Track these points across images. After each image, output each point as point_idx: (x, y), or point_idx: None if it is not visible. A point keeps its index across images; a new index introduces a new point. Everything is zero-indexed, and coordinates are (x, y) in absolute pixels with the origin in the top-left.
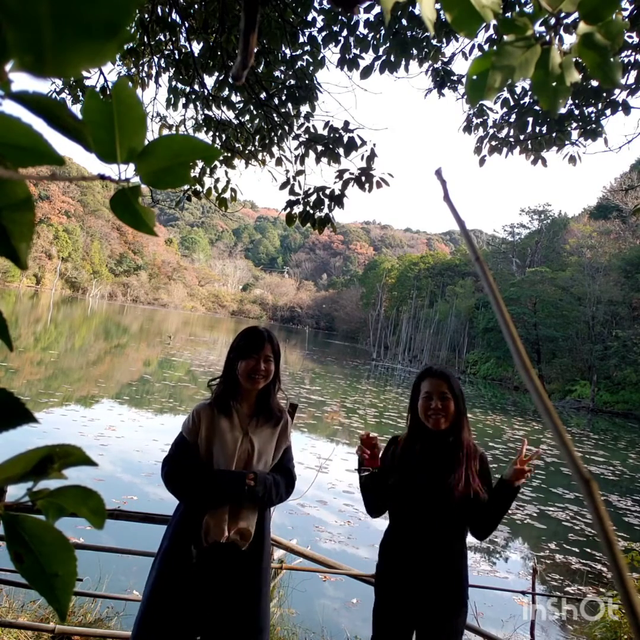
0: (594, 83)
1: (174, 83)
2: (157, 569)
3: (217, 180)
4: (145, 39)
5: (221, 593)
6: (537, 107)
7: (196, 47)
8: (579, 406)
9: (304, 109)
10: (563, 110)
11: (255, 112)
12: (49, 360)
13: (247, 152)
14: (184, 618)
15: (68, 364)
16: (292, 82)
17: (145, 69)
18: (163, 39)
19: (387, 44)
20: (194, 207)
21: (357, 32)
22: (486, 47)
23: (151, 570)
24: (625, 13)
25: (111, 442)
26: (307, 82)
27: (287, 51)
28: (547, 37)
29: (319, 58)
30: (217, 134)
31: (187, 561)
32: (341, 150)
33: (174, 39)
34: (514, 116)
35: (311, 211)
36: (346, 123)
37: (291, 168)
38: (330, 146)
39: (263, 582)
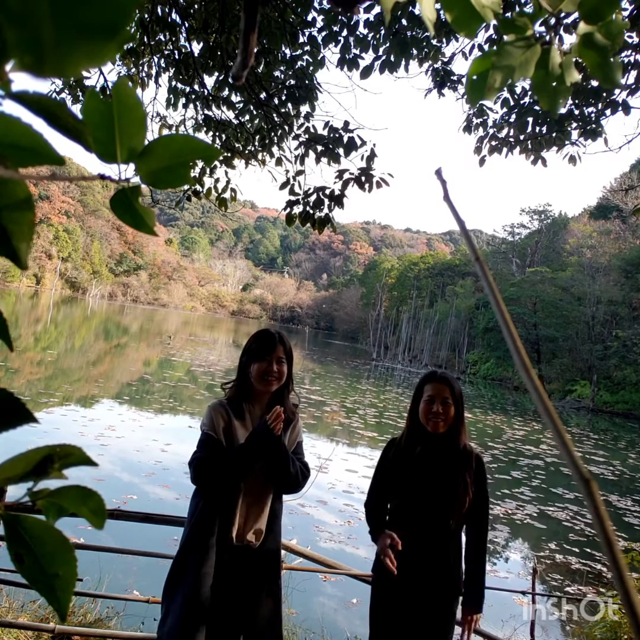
0: (594, 83)
1: (174, 83)
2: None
3: (217, 180)
4: (145, 39)
5: (238, 594)
6: (537, 107)
7: (196, 47)
8: (579, 406)
9: (304, 109)
10: (563, 110)
11: (255, 112)
12: (49, 360)
13: (247, 152)
14: (214, 620)
15: (68, 364)
16: (292, 82)
17: (145, 69)
18: (163, 39)
19: (387, 44)
20: (194, 207)
21: (357, 32)
22: (486, 47)
23: (176, 574)
24: (625, 13)
25: (111, 442)
26: (307, 82)
27: (287, 51)
28: (547, 37)
29: (319, 58)
30: (217, 134)
31: (208, 563)
32: (341, 150)
33: (174, 39)
34: (514, 116)
35: (311, 211)
36: (346, 123)
37: (291, 168)
38: (330, 146)
39: (278, 581)
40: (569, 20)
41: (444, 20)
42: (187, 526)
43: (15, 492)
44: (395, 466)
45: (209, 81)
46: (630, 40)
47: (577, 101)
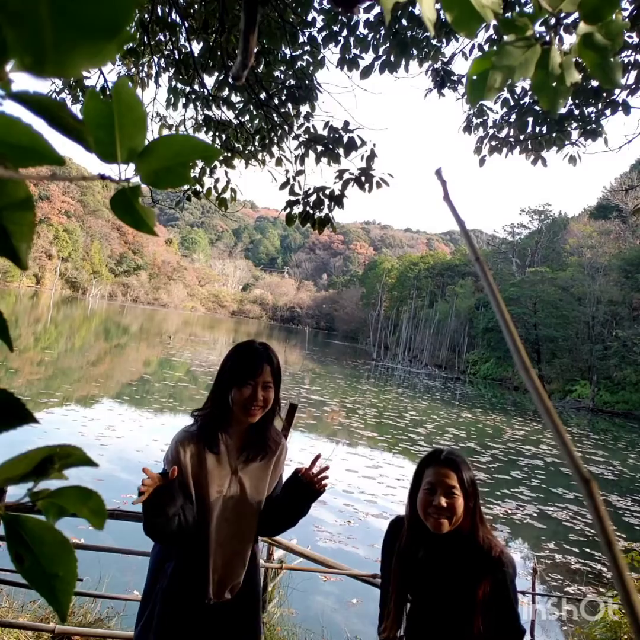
0: (594, 83)
1: (174, 83)
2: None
3: (217, 180)
4: (145, 39)
5: None
6: (537, 107)
7: (196, 47)
8: (579, 406)
9: (304, 109)
10: (563, 110)
11: (255, 112)
12: (49, 360)
13: (247, 152)
14: None
15: (68, 364)
16: (292, 82)
17: (145, 69)
18: (163, 39)
19: (387, 44)
20: (194, 207)
21: (357, 32)
22: (486, 47)
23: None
24: (626, 13)
25: (111, 442)
26: (307, 82)
27: (287, 51)
28: (547, 37)
29: (319, 58)
30: (217, 134)
31: (182, 623)
32: (341, 151)
33: (174, 39)
34: (514, 116)
35: (311, 211)
36: (346, 123)
37: (291, 168)
38: (330, 146)
39: (258, 630)
40: (569, 21)
41: (444, 20)
42: (150, 579)
43: (16, 492)
44: (398, 569)
45: (209, 81)
46: (630, 40)
47: (577, 101)
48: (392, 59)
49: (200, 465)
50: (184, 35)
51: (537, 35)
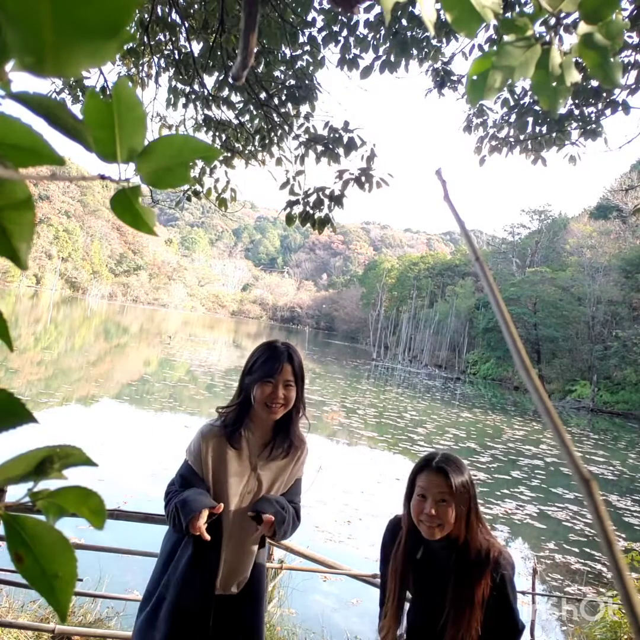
0: (594, 83)
1: (174, 83)
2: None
3: (217, 180)
4: (145, 39)
5: None
6: (537, 107)
7: (196, 47)
8: (579, 406)
9: (304, 109)
10: (563, 110)
11: (255, 112)
12: (49, 360)
13: (247, 152)
14: None
15: (68, 364)
16: (292, 82)
17: (145, 69)
18: (163, 39)
19: (387, 44)
20: (194, 207)
21: (357, 32)
22: (486, 47)
23: (144, 619)
24: (626, 13)
25: (111, 442)
26: (307, 82)
27: (287, 51)
28: (547, 37)
29: (319, 58)
30: (217, 134)
31: (191, 614)
32: (341, 151)
33: (174, 39)
34: (514, 116)
35: (311, 211)
36: (346, 123)
37: (291, 168)
38: (330, 146)
39: (260, 630)
40: (569, 21)
41: (444, 20)
42: (160, 567)
43: (16, 492)
44: (397, 569)
45: (209, 81)
46: (630, 40)
47: (577, 101)
48: (392, 59)
49: (220, 459)
50: (184, 35)
51: (537, 35)
